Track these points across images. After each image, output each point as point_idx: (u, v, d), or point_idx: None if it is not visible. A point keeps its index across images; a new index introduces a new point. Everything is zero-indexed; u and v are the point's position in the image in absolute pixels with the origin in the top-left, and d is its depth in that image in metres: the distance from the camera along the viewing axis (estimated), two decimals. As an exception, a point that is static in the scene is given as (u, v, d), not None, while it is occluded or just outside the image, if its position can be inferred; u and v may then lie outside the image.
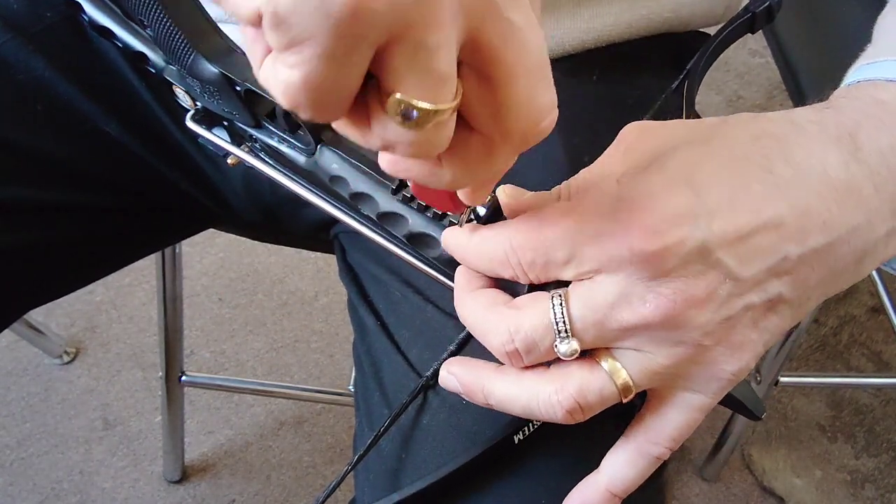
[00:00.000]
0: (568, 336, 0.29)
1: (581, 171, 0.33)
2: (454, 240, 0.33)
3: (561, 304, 0.29)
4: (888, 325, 1.24)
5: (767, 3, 0.44)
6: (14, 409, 1.17)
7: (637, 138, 0.32)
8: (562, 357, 0.29)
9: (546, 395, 0.30)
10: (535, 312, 0.30)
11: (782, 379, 1.04)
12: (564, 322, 0.29)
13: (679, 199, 0.28)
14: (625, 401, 0.30)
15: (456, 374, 0.33)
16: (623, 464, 0.33)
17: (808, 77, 0.76)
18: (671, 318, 0.28)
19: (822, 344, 1.30)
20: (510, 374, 0.31)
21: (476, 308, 0.32)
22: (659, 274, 0.28)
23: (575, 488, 0.34)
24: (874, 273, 1.17)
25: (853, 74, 0.36)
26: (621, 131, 0.33)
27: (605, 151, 0.33)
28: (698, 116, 0.52)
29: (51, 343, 1.21)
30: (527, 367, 0.31)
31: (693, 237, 0.28)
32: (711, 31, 0.58)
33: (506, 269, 0.30)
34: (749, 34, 0.47)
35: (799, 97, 0.76)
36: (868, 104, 0.33)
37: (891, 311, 1.14)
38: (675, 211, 0.28)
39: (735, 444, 1.12)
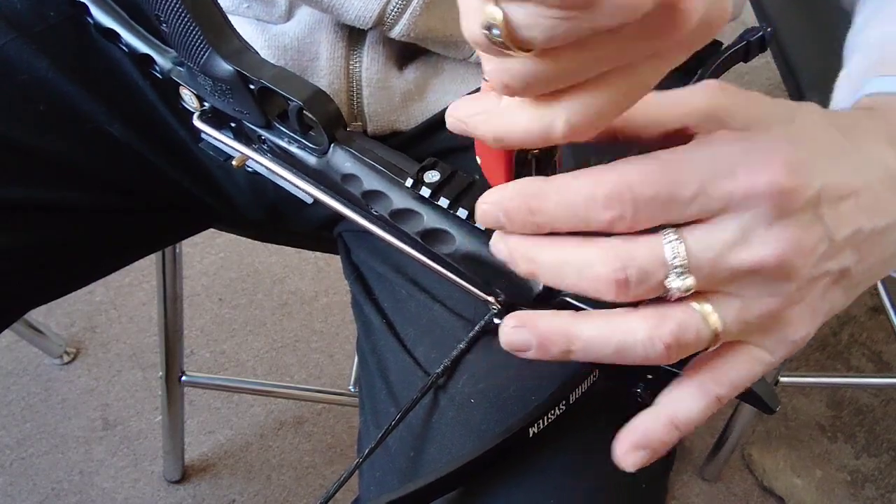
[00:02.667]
0: (685, 272, 0.28)
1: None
2: (529, 184, 0.29)
3: (678, 240, 0.28)
4: (888, 325, 1.24)
5: (760, 33, 0.47)
6: (14, 409, 1.17)
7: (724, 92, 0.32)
8: (675, 293, 0.28)
9: (645, 331, 0.29)
10: (648, 244, 0.28)
11: (782, 379, 1.04)
12: (683, 257, 0.28)
13: (800, 151, 0.29)
14: (712, 349, 0.30)
15: (528, 324, 0.31)
16: (685, 398, 0.32)
17: (808, 77, 0.77)
18: (785, 264, 0.28)
19: (822, 344, 1.30)
20: (597, 315, 0.30)
21: (564, 242, 0.29)
22: (784, 214, 0.28)
23: (633, 420, 0.32)
24: (874, 273, 1.17)
25: (874, 84, 0.38)
26: (703, 83, 0.32)
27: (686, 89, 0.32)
28: None
29: (51, 343, 1.21)
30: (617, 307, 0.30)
31: (814, 185, 0.28)
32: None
33: (607, 211, 0.28)
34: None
35: (799, 97, 0.76)
36: None
37: (891, 311, 1.14)
38: (801, 157, 0.28)
39: (735, 444, 1.12)
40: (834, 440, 1.20)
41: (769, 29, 0.48)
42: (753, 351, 0.31)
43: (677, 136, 0.31)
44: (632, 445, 0.32)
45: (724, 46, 0.49)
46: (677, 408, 0.32)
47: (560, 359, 0.31)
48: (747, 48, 0.48)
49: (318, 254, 1.28)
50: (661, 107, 0.31)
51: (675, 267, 0.28)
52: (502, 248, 0.31)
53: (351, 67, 0.49)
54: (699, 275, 0.28)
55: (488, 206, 0.30)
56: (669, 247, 0.28)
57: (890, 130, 0.33)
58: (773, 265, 0.28)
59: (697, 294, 0.29)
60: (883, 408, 1.24)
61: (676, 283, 0.28)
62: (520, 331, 0.31)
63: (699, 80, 0.44)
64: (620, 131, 0.32)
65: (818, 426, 1.22)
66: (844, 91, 0.41)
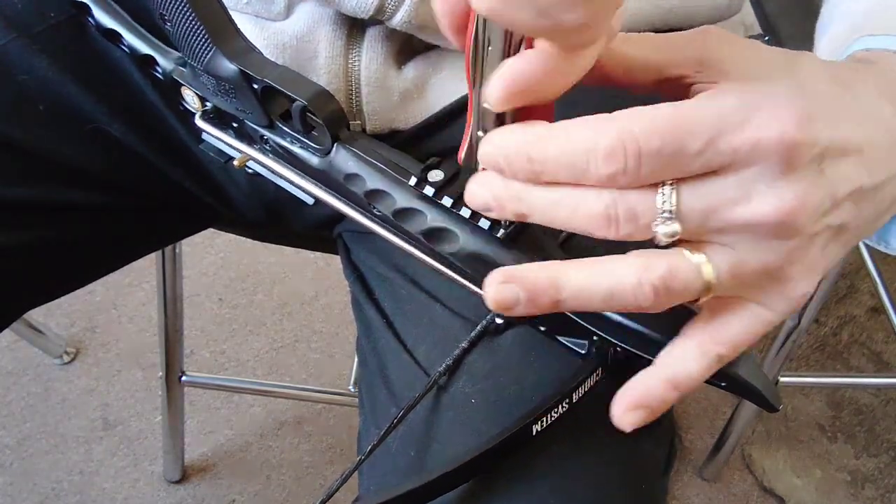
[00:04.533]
0: (672, 218, 0.28)
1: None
2: (532, 128, 0.28)
3: (672, 187, 0.28)
4: (888, 325, 1.24)
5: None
6: (14, 409, 1.17)
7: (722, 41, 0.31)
8: (660, 239, 0.28)
9: (634, 275, 0.28)
10: (640, 192, 0.28)
11: (782, 379, 1.04)
12: (672, 203, 0.27)
13: (809, 103, 0.28)
14: (701, 301, 0.29)
15: (517, 277, 0.29)
16: (684, 357, 0.31)
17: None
18: (786, 222, 0.28)
19: (822, 344, 1.30)
20: (585, 262, 0.29)
21: (556, 186, 0.28)
22: (790, 169, 0.27)
23: (631, 380, 0.31)
24: (874, 273, 1.18)
25: (864, 42, 0.37)
26: (700, 29, 0.31)
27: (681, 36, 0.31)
28: None
29: (51, 343, 1.21)
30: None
31: (821, 139, 0.28)
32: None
33: (607, 165, 0.27)
34: (749, 28, 0.49)
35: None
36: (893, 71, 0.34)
37: (891, 311, 1.14)
38: (809, 111, 0.27)
39: (735, 444, 1.12)
40: (834, 440, 1.20)
41: (766, 38, 0.48)
42: (753, 308, 0.30)
43: (672, 84, 0.31)
44: (630, 405, 0.31)
45: None
46: (676, 368, 0.31)
47: (550, 310, 0.30)
48: None
49: (318, 254, 1.28)
50: (657, 51, 0.31)
51: (663, 212, 0.28)
52: (485, 188, 0.30)
53: (349, 65, 0.49)
54: (687, 223, 0.28)
55: (492, 147, 0.29)
56: (662, 193, 0.28)
57: (886, 84, 0.32)
58: (772, 222, 0.28)
59: (691, 244, 0.29)
60: (883, 408, 1.24)
61: (662, 229, 0.28)
62: (507, 286, 0.30)
63: None
64: (612, 73, 0.31)
65: (818, 426, 1.22)
66: (826, 53, 0.40)
